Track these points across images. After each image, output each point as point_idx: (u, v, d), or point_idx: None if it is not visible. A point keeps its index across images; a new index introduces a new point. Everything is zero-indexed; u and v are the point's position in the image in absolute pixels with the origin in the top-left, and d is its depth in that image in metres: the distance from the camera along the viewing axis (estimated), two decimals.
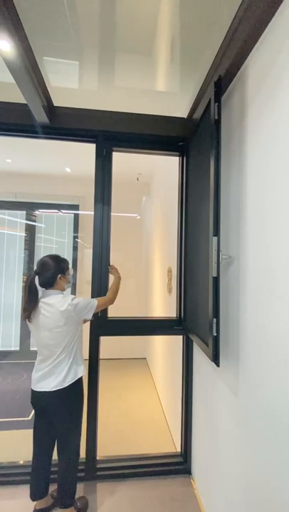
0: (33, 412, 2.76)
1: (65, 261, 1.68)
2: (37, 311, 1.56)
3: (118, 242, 2.26)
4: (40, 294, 1.60)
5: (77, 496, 1.66)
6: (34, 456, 1.62)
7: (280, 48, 1.02)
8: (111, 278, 1.96)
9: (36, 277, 1.60)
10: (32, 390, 1.59)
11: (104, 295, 1.84)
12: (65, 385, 1.54)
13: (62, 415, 1.56)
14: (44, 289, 1.61)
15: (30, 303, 1.54)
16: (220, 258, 1.30)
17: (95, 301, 1.65)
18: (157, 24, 1.26)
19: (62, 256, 1.69)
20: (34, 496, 1.60)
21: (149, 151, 2.11)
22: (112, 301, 1.78)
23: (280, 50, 1.02)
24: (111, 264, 1.98)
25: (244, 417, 1.22)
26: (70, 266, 1.71)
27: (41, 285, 1.61)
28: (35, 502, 1.61)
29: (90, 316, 1.64)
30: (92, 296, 1.92)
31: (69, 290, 4.15)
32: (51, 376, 1.54)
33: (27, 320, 1.58)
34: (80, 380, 1.61)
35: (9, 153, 3.29)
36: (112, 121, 1.93)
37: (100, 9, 1.18)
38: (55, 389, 1.52)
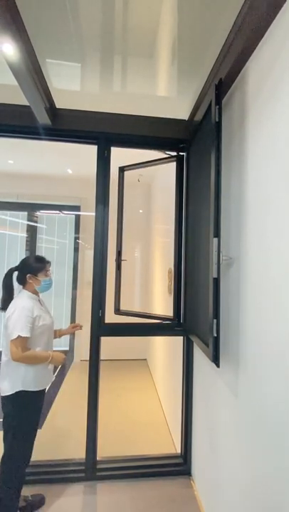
0: None
1: (43, 262, 1.66)
2: None
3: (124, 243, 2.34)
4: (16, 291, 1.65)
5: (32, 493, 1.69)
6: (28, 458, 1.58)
7: (280, 49, 1.03)
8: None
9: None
10: None
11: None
12: (2, 394, 1.52)
13: (3, 420, 1.52)
14: (22, 286, 1.66)
15: (5, 297, 1.60)
16: (220, 259, 1.31)
17: (16, 337, 1.46)
18: (159, 27, 1.27)
19: (46, 258, 1.69)
20: None
21: (151, 164, 2.23)
22: (21, 359, 1.47)
23: (281, 51, 1.03)
24: (78, 324, 1.92)
25: (244, 418, 1.22)
26: (47, 268, 1.69)
27: (17, 282, 1.66)
28: None
29: (10, 337, 1.48)
30: (94, 300, 1.94)
31: (70, 290, 4.17)
32: (2, 379, 1.54)
33: None
34: (15, 396, 1.50)
35: (11, 155, 3.31)
36: (114, 123, 1.94)
37: (102, 12, 1.20)
38: (4, 394, 1.52)
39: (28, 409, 1.54)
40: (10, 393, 1.50)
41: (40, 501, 1.69)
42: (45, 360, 1.56)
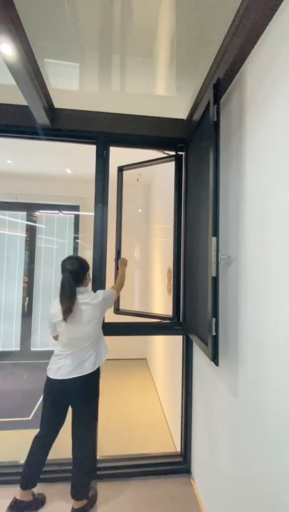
0: (36, 409, 2.79)
1: (86, 261, 1.80)
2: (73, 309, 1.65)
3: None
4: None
5: None
6: (35, 447, 1.66)
7: (278, 48, 1.04)
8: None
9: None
10: (55, 380, 1.63)
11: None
12: (95, 368, 1.68)
13: (85, 400, 1.67)
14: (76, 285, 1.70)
15: (70, 301, 1.61)
16: (219, 258, 1.31)
17: (114, 291, 1.85)
18: (157, 27, 1.27)
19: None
20: (23, 485, 1.63)
21: (149, 164, 2.22)
22: (122, 287, 2.00)
23: (279, 50, 1.03)
24: (122, 257, 2.17)
25: (243, 416, 1.23)
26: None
27: (75, 282, 1.69)
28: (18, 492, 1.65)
29: (112, 305, 1.85)
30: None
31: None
32: (83, 363, 1.65)
33: (62, 319, 1.61)
34: (96, 371, 1.72)
35: (10, 155, 3.31)
36: (112, 122, 1.95)
37: (101, 12, 1.20)
38: (86, 373, 1.64)
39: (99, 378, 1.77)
40: (93, 370, 1.67)
41: (42, 500, 1.71)
42: (124, 273, 2.06)
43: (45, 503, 1.71)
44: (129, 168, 2.31)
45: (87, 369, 1.65)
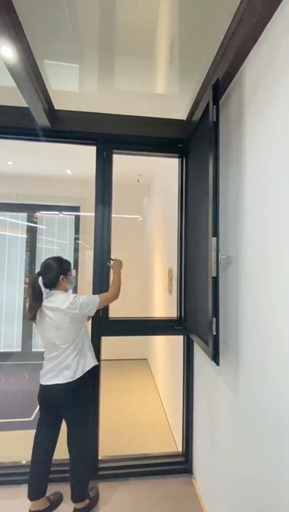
0: (37, 410, 2.79)
1: (67, 262, 1.73)
2: (42, 312, 1.62)
3: (119, 243, 2.29)
4: (44, 294, 1.65)
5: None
6: (36, 455, 1.64)
7: (277, 48, 1.04)
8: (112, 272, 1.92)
9: (40, 278, 1.65)
10: (41, 385, 1.63)
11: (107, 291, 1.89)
12: (76, 377, 1.59)
13: (71, 407, 1.61)
14: (48, 290, 1.67)
15: (35, 303, 1.59)
16: (219, 258, 1.31)
17: (97, 298, 1.68)
18: (156, 27, 1.28)
19: (64, 258, 1.74)
20: (32, 496, 1.60)
21: (149, 154, 2.14)
22: (116, 295, 1.76)
23: (277, 50, 1.03)
24: (113, 258, 1.94)
25: (244, 416, 1.23)
26: (72, 267, 1.77)
27: (45, 286, 1.66)
28: (30, 503, 1.62)
29: (92, 313, 1.67)
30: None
31: (70, 291, 4.19)
32: (62, 371, 1.60)
33: (32, 320, 1.62)
34: (87, 373, 1.65)
35: (10, 156, 3.32)
36: (112, 123, 1.95)
37: (100, 13, 1.20)
38: (66, 381, 1.58)
39: (88, 386, 1.70)
40: (73, 379, 1.59)
41: (58, 499, 1.73)
42: (119, 278, 1.81)
43: (62, 500, 1.72)
44: (121, 153, 2.08)
45: (66, 377, 1.58)
